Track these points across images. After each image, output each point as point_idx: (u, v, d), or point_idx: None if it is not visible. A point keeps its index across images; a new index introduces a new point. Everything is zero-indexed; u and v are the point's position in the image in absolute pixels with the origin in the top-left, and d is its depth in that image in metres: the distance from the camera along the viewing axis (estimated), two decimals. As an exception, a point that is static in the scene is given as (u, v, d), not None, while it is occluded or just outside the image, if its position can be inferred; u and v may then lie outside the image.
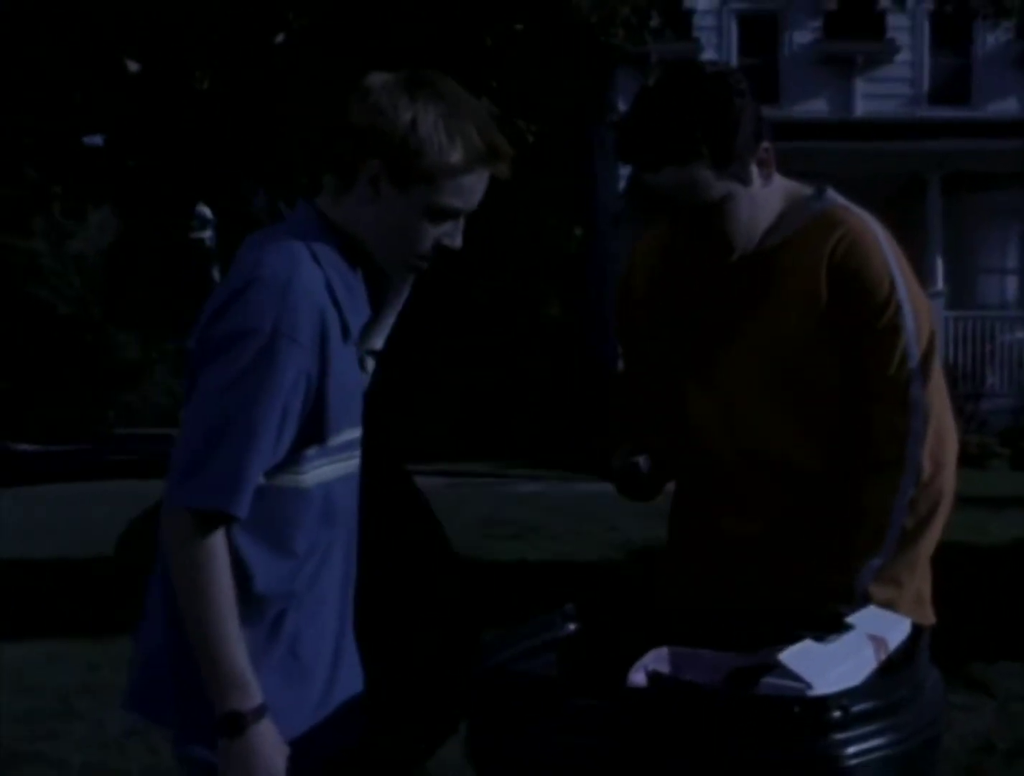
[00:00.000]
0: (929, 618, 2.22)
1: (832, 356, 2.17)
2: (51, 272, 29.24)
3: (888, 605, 2.06)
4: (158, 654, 1.99)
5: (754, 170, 2.15)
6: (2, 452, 24.08)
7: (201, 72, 16.70)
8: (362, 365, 2.13)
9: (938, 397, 2.16)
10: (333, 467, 1.99)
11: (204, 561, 1.85)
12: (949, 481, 2.16)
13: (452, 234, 1.99)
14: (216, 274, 19.84)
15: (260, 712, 1.87)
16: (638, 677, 1.89)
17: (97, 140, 18.27)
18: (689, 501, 2.38)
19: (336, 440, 1.97)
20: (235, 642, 1.86)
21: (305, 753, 1.96)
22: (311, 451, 1.94)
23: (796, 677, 1.68)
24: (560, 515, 11.10)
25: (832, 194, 2.27)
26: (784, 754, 1.64)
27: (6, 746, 4.69)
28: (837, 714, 1.64)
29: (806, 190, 2.27)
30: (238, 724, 1.85)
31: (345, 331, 1.96)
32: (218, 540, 1.86)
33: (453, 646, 2.27)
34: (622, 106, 16.21)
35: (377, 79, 1.95)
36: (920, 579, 2.21)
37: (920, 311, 2.16)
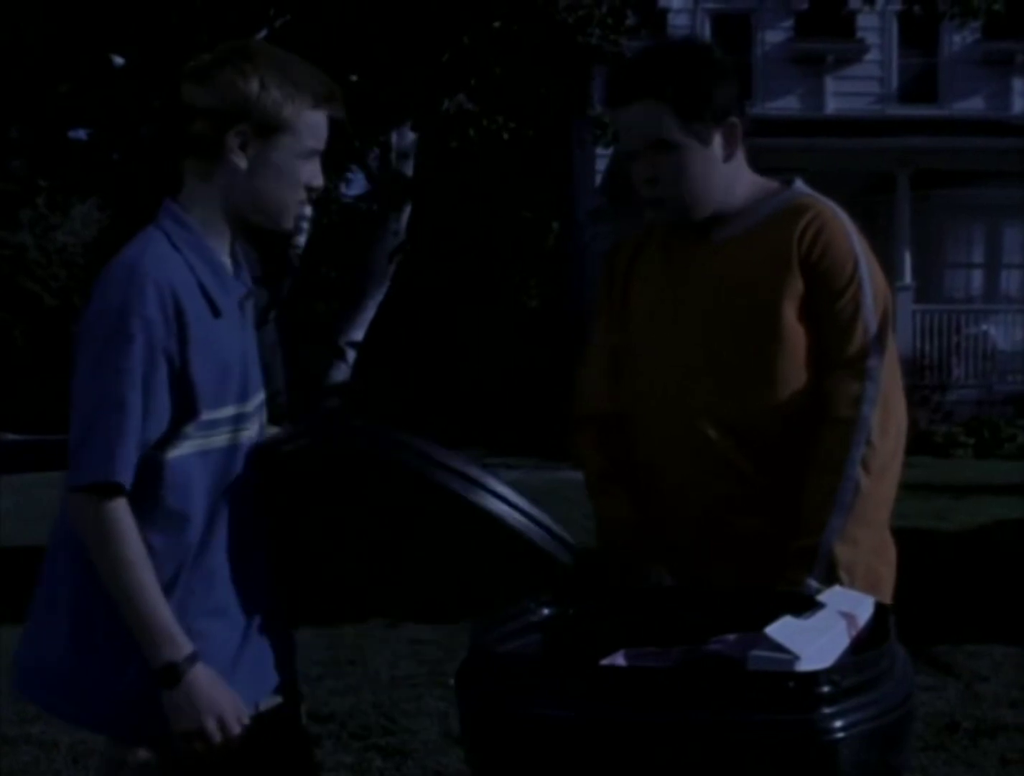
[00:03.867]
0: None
1: (798, 328, 2.29)
2: (37, 265, 29.19)
3: (849, 567, 2.18)
4: (57, 644, 2.15)
5: (717, 138, 2.30)
6: (-11, 442, 24.16)
7: (183, 66, 16.82)
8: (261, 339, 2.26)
9: (890, 373, 2.28)
10: (217, 439, 2.09)
11: (108, 531, 1.98)
12: (898, 448, 2.28)
13: (315, 174, 2.18)
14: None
15: (192, 659, 2.00)
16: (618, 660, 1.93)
17: (81, 134, 18.37)
18: (647, 470, 2.43)
19: (216, 414, 2.09)
20: (156, 599, 1.99)
21: None
22: (190, 426, 2.05)
23: (783, 649, 1.69)
24: (538, 502, 11.12)
25: (800, 184, 2.43)
26: (774, 727, 1.64)
27: (-5, 730, 4.57)
28: (827, 688, 1.64)
29: (775, 184, 2.42)
30: (175, 673, 1.98)
31: (213, 308, 2.10)
32: (116, 509, 1.98)
33: None
34: (599, 103, 16.44)
35: (202, 62, 2.13)
36: (878, 553, 2.30)
37: (879, 291, 2.31)
